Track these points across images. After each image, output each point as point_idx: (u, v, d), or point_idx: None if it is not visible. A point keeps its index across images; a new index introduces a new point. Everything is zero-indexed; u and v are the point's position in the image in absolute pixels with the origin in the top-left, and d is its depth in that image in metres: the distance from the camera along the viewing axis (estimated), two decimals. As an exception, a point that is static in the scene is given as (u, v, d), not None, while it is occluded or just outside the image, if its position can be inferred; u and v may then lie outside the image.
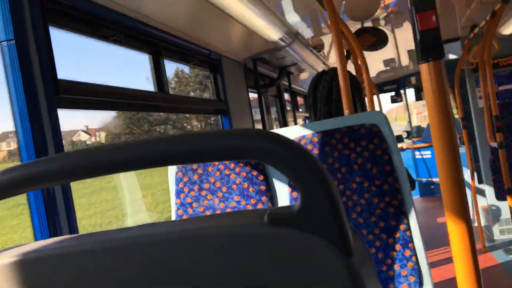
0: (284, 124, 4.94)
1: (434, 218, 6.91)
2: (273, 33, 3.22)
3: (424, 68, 0.82)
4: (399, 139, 9.39)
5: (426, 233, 6.46)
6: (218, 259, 0.45)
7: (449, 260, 4.72)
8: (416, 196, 8.96)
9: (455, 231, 0.89)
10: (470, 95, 5.38)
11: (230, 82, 3.37)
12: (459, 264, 0.92)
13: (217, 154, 0.44)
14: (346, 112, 2.01)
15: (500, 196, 4.91)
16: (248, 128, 0.47)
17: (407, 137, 9.60)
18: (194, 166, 1.96)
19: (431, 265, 4.73)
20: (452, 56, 6.28)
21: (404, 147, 9.29)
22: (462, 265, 0.91)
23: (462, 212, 0.87)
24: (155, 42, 2.52)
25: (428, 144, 8.86)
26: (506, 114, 5.17)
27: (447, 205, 0.89)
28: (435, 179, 8.74)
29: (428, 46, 0.80)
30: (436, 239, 5.60)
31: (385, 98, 10.20)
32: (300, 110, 6.16)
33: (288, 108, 5.55)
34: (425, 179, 8.96)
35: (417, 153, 9.07)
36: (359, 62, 3.12)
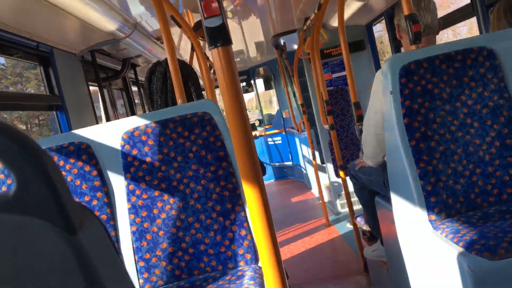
0: None
1: (288, 198, 7.39)
2: (109, 24, 3.10)
3: (214, 53, 0.87)
4: (253, 127, 9.83)
5: (281, 213, 6.92)
6: None
7: (299, 236, 5.09)
8: (271, 180, 9.47)
9: (253, 206, 0.96)
10: (309, 83, 5.82)
11: (65, 75, 3.15)
12: (260, 240, 0.99)
13: None
14: (179, 102, 2.03)
15: (337, 173, 5.45)
16: None
17: (259, 125, 10.08)
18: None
19: (285, 242, 5.08)
20: (294, 47, 6.73)
21: (257, 135, 9.74)
22: (263, 241, 0.98)
23: (258, 188, 0.94)
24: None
25: (278, 131, 9.41)
26: (338, 99, 5.72)
27: (245, 182, 0.95)
28: (287, 163, 9.32)
29: (215, 32, 0.84)
30: (289, 217, 6.00)
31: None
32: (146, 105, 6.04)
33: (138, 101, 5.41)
34: (278, 163, 9.52)
35: (269, 139, 9.58)
36: (199, 54, 3.16)
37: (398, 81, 1.85)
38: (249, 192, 0.95)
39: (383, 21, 5.22)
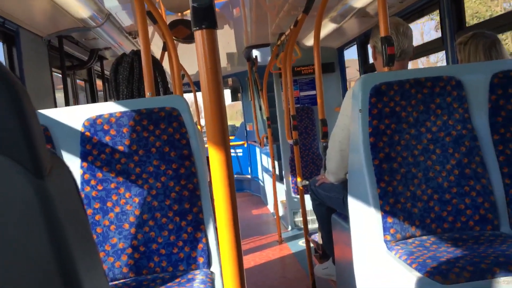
0: None
1: (243, 212, 7.34)
2: (81, 10, 3.00)
3: (198, 35, 0.84)
4: None
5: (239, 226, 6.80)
6: None
7: (250, 251, 5.04)
8: None
9: (221, 208, 0.92)
10: (277, 98, 5.85)
11: (29, 58, 3.02)
12: (224, 244, 0.96)
13: None
14: (147, 94, 1.97)
15: (296, 190, 5.47)
16: None
17: None
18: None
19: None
20: (266, 61, 6.77)
21: None
22: (227, 246, 0.95)
23: (229, 188, 0.90)
24: None
25: (241, 143, 9.40)
26: (303, 118, 5.78)
27: (217, 198, 0.92)
28: (246, 176, 9.30)
29: (202, 13, 0.82)
30: (242, 231, 5.94)
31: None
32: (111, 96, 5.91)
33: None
34: (236, 175, 9.48)
35: (231, 150, 9.53)
36: (172, 53, 3.11)
37: (368, 100, 1.87)
38: (220, 192, 0.91)
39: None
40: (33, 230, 0.37)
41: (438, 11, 3.26)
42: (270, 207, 6.98)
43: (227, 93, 10.09)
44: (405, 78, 1.89)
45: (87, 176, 1.77)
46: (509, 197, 1.85)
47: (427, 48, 3.54)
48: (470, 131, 1.88)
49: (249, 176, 9.21)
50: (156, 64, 2.14)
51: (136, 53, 2.09)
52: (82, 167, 1.77)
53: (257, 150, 8.40)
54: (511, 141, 1.88)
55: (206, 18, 0.83)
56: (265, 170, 7.41)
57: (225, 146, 0.86)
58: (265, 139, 6.71)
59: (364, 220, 1.92)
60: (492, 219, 1.84)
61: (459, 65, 2.29)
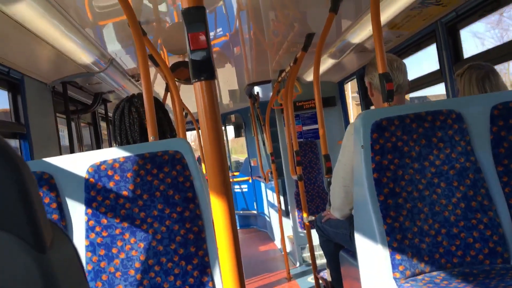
0: None
1: (249, 248, 7.25)
2: (84, 57, 3.07)
3: (197, 87, 0.85)
4: None
5: (243, 263, 6.71)
6: None
7: (266, 286, 4.96)
8: None
9: (224, 254, 0.92)
10: (279, 133, 5.88)
11: (34, 104, 3.07)
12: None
13: None
14: (150, 138, 1.99)
15: (302, 225, 5.41)
16: None
17: None
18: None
19: (247, 293, 4.92)
20: (267, 97, 6.84)
21: None
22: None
23: (231, 231, 0.90)
24: None
25: (246, 178, 9.38)
26: (307, 152, 5.78)
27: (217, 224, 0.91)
28: (252, 211, 9.24)
29: (200, 66, 0.83)
30: (250, 269, 5.86)
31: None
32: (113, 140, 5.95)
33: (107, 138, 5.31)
34: (242, 211, 9.41)
35: (236, 186, 9.51)
36: (174, 94, 3.16)
37: (369, 136, 1.87)
38: (222, 236, 0.91)
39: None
40: None
41: (435, 44, 3.31)
42: (277, 242, 6.90)
43: (230, 129, 10.16)
44: (405, 113, 1.90)
45: (92, 222, 1.76)
46: None
47: (427, 80, 3.58)
48: (474, 163, 1.88)
49: (255, 212, 9.15)
50: (162, 108, 2.17)
51: (137, 97, 2.12)
52: (86, 213, 1.77)
53: (262, 185, 8.38)
54: None
55: (205, 71, 0.85)
56: (271, 205, 7.37)
57: (227, 195, 0.87)
58: (269, 174, 6.71)
59: (372, 257, 1.89)
60: (502, 252, 1.81)
61: (458, 98, 2.31)
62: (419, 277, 1.76)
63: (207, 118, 0.86)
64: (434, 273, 1.77)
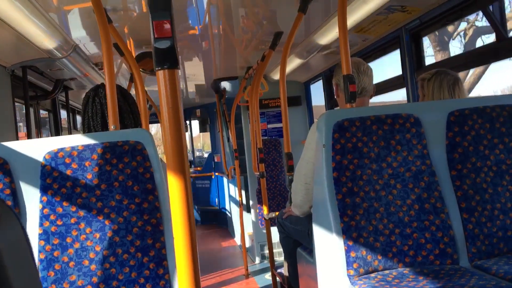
0: None
1: (209, 244, 7.23)
2: (47, 42, 2.98)
3: (160, 75, 0.85)
4: None
5: (200, 259, 6.69)
6: None
7: (216, 285, 4.95)
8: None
9: (180, 243, 0.92)
10: (244, 130, 5.88)
11: (-9, 88, 2.96)
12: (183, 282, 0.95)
13: None
14: (111, 127, 1.96)
15: (263, 222, 5.45)
16: None
17: (189, 167, 9.95)
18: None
19: (207, 288, 4.90)
20: (233, 94, 6.83)
21: None
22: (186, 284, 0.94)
23: (188, 224, 0.90)
24: None
25: (208, 174, 9.34)
26: (271, 150, 5.82)
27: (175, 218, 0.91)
28: (213, 207, 9.21)
29: (164, 54, 0.83)
30: (208, 265, 5.84)
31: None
32: (79, 129, 5.81)
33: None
34: (204, 207, 9.37)
35: (198, 182, 9.45)
36: (138, 85, 3.11)
37: (331, 136, 1.91)
38: (179, 229, 0.91)
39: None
40: None
41: (399, 49, 3.40)
42: (237, 239, 6.91)
43: (195, 124, 10.09)
44: (367, 114, 1.95)
45: (46, 210, 1.72)
46: (467, 232, 1.90)
47: (389, 85, 3.67)
48: (429, 166, 1.94)
49: (216, 208, 9.13)
50: (126, 96, 2.13)
51: (102, 87, 2.08)
52: (41, 201, 1.72)
53: (225, 181, 8.37)
54: (468, 176, 1.95)
55: (168, 59, 0.84)
56: (233, 201, 7.37)
57: (185, 186, 0.87)
58: (232, 171, 6.71)
59: (328, 254, 1.93)
60: (451, 253, 1.88)
61: (418, 103, 2.38)
62: (372, 274, 1.81)
63: (169, 107, 0.85)
64: (387, 272, 1.82)
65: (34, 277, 0.45)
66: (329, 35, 3.62)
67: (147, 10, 3.03)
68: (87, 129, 2.07)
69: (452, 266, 1.85)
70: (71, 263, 1.70)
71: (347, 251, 1.83)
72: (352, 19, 3.08)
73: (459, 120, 1.98)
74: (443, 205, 1.92)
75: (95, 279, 1.70)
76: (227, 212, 8.36)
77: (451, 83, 2.41)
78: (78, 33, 3.31)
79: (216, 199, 9.13)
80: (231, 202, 7.65)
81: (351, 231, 1.85)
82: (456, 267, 1.83)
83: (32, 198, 1.73)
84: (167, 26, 0.82)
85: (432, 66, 3.16)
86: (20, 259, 0.42)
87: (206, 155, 10.96)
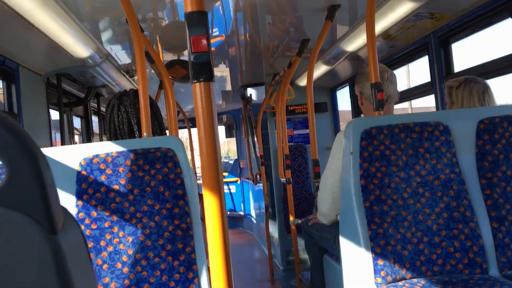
0: None
1: (234, 250, 7.27)
2: (80, 50, 3.08)
3: (196, 88, 0.89)
4: None
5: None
6: None
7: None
8: None
9: (214, 245, 0.95)
10: (270, 136, 5.91)
11: (27, 95, 3.08)
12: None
13: None
14: (144, 134, 2.02)
15: (288, 228, 5.45)
16: None
17: None
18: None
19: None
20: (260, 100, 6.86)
21: None
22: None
23: (221, 226, 0.93)
24: None
25: (234, 179, 9.40)
26: (297, 156, 5.82)
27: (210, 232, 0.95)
28: (239, 212, 9.25)
29: (200, 68, 0.87)
30: (238, 269, 5.87)
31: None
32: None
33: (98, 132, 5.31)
34: (229, 212, 9.43)
35: (224, 187, 9.50)
36: (168, 92, 3.18)
37: (359, 143, 1.92)
38: (213, 233, 0.94)
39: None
40: (45, 283, 0.40)
41: (427, 56, 3.38)
42: (263, 245, 6.92)
43: (221, 129, 10.17)
44: (394, 122, 1.95)
45: (81, 214, 1.78)
46: (497, 241, 1.88)
47: (417, 92, 3.64)
48: (458, 175, 1.93)
49: (242, 213, 9.16)
50: (151, 103, 2.19)
51: (129, 93, 2.13)
52: (77, 205, 1.79)
53: (250, 187, 8.41)
54: (498, 185, 1.92)
55: (204, 72, 0.88)
56: (258, 207, 7.39)
57: (219, 194, 0.90)
58: (258, 177, 6.75)
59: (356, 262, 1.93)
60: (481, 263, 1.86)
61: (446, 111, 2.36)
62: (400, 283, 1.80)
63: (204, 118, 0.89)
64: (415, 280, 1.81)
65: (93, 281, 0.49)
66: (355, 42, 3.62)
67: (176, 19, 3.10)
68: (113, 137, 2.10)
69: (481, 275, 1.83)
70: (105, 266, 1.76)
71: (375, 259, 1.83)
72: (380, 26, 3.08)
73: (489, 128, 1.96)
74: (473, 214, 1.90)
75: (127, 282, 1.75)
76: (252, 218, 8.38)
77: (481, 91, 2.39)
78: (109, 41, 3.41)
79: (242, 204, 9.17)
80: (256, 208, 7.67)
81: (379, 239, 1.85)
82: (485, 276, 1.81)
83: (68, 202, 1.79)
84: (204, 41, 0.86)
85: (462, 72, 3.13)
86: (82, 263, 0.46)
87: (231, 162, 11.03)
